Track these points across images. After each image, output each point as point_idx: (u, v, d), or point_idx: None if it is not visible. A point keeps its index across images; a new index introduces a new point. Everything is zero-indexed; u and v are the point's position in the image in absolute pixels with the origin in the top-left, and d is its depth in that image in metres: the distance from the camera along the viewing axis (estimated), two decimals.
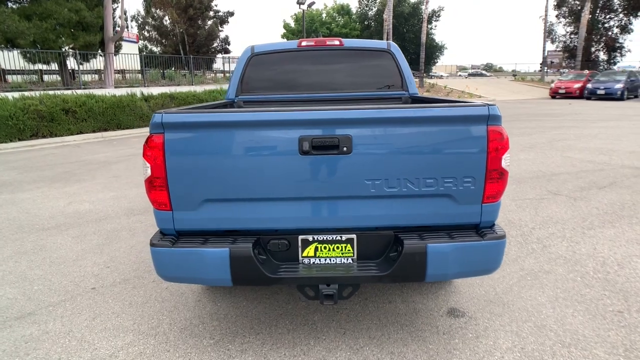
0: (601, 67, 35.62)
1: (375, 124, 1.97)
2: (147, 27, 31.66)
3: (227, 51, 35.28)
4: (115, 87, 14.70)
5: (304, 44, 3.61)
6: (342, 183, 2.01)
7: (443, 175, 2.01)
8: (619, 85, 20.21)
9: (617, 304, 2.74)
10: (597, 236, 3.85)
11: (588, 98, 21.24)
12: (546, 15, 35.52)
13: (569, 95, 22.42)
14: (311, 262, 2.13)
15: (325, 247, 2.12)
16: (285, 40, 46.91)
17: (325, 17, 45.97)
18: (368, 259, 2.14)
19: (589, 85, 21.48)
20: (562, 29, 37.94)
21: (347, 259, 2.13)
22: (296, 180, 2.02)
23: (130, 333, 2.50)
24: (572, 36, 40.20)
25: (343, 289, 2.10)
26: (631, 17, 37.59)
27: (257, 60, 3.59)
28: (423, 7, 49.73)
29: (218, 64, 26.34)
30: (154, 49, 31.74)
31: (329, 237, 2.11)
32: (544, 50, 35.74)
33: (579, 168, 6.53)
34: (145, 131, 12.11)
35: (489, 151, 1.99)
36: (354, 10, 48.58)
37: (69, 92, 12.12)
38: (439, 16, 49.22)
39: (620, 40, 37.93)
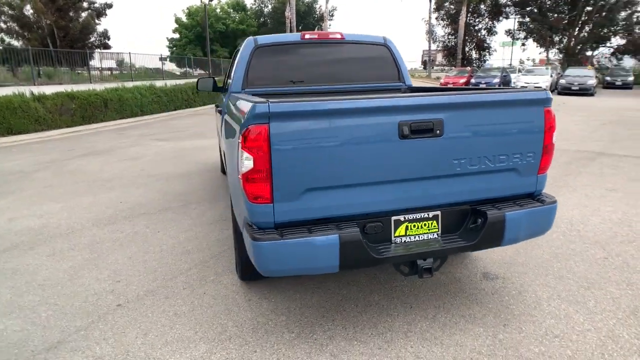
0: (474, 65, 40.47)
1: (462, 108, 2.17)
2: (2, 17, 27.46)
3: (107, 46, 32.31)
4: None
5: (307, 36, 3.64)
6: (434, 164, 2.17)
7: (513, 152, 2.29)
8: (497, 80, 23.35)
9: (600, 252, 3.35)
10: None
11: None
12: (430, 18, 39.21)
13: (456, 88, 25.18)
14: (403, 241, 2.25)
15: (414, 226, 2.26)
16: (177, 35, 44.55)
17: (220, 12, 44.70)
18: (449, 232, 2.33)
19: (473, 80, 24.42)
20: (441, 30, 42.30)
21: (434, 235, 2.29)
22: (395, 163, 2.12)
23: (201, 342, 2.34)
24: (449, 37, 44.99)
25: (434, 262, 2.26)
26: (495, 21, 43.39)
27: (261, 52, 3.53)
28: (317, 5, 51.36)
29: (107, 61, 23.86)
30: (14, 42, 27.66)
31: (417, 215, 2.25)
32: (429, 49, 39.40)
33: None
34: (46, 136, 10.67)
35: (545, 129, 2.33)
36: (249, 6, 47.99)
37: None
38: (332, 15, 51.07)
39: (488, 41, 43.62)
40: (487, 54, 44.33)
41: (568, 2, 37.62)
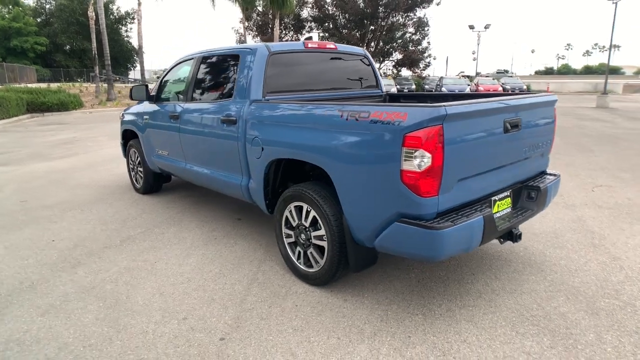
0: None
1: (528, 108, 2.82)
2: None
3: None
4: None
5: (310, 45, 3.75)
6: (515, 152, 2.77)
7: (544, 139, 3.09)
8: (413, 86, 26.96)
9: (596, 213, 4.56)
10: None
11: None
12: (245, 28, 40.26)
13: None
14: (499, 216, 2.76)
15: (502, 203, 2.80)
16: None
17: None
18: (514, 206, 2.97)
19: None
20: (251, 41, 43.80)
21: (509, 209, 2.89)
22: (499, 153, 2.63)
23: (358, 344, 2.36)
24: None
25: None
26: (299, 35, 47.49)
27: (275, 59, 3.49)
28: (114, 7, 46.43)
29: None
30: None
31: (502, 195, 2.81)
32: None
33: None
34: None
35: (554, 121, 3.20)
36: (26, 2, 40.03)
37: None
38: (133, 18, 47.08)
39: None
40: None
41: (357, 21, 44.38)
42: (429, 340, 2.38)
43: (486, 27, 33.62)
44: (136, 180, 5.62)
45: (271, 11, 43.06)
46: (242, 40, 47.30)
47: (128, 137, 5.70)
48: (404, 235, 2.32)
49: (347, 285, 3.02)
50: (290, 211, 3.07)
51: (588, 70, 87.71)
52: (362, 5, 42.28)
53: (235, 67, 3.65)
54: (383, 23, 43.72)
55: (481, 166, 2.52)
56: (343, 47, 4.08)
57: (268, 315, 2.67)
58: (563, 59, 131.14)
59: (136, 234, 4.12)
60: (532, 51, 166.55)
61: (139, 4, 25.20)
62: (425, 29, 43.03)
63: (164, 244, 3.86)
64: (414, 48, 43.13)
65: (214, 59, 4.03)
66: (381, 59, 45.13)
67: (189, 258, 3.54)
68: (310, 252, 2.97)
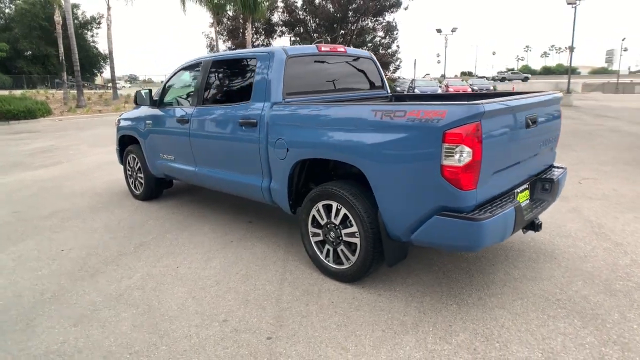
0: None
1: (542, 105, 2.99)
2: None
3: None
4: None
5: (322, 49, 3.83)
6: (532, 146, 2.94)
7: (555, 135, 3.28)
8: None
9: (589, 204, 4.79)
10: None
11: None
12: (216, 34, 39.91)
13: None
14: (522, 207, 2.92)
15: (522, 195, 2.96)
16: None
17: None
18: (531, 198, 3.13)
19: None
20: (222, 45, 43.38)
21: (527, 201, 3.05)
22: (521, 147, 2.78)
23: (404, 335, 2.44)
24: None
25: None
26: (270, 39, 47.50)
27: (292, 62, 3.54)
28: (79, 11, 44.96)
29: None
30: None
31: (521, 187, 2.96)
32: None
33: None
34: None
35: (560, 117, 3.41)
36: None
37: None
38: (99, 23, 45.81)
39: None
40: None
41: (327, 25, 44.76)
42: (470, 328, 2.49)
43: (453, 30, 34.67)
44: (135, 187, 5.52)
45: (242, 15, 42.97)
46: (212, 45, 46.82)
47: (125, 143, 5.59)
48: (444, 227, 2.42)
49: (376, 281, 3.10)
50: (318, 210, 3.12)
51: (546, 71, 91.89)
52: (332, 10, 42.71)
53: (250, 70, 3.68)
54: (353, 27, 44.31)
55: (509, 160, 2.67)
56: (351, 50, 4.18)
57: (307, 312, 2.72)
58: (523, 60, 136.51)
59: (148, 240, 4.05)
60: (494, 53, 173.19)
61: (109, 8, 24.52)
62: (394, 32, 43.93)
63: (181, 249, 3.82)
64: (384, 51, 43.91)
65: (225, 63, 4.04)
66: None
67: (211, 262, 3.53)
68: (341, 250, 3.03)
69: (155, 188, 5.32)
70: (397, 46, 44.14)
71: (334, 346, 2.37)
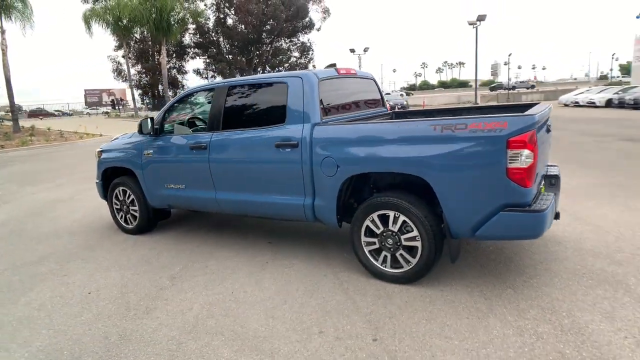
0: None
1: (546, 117, 3.61)
2: None
3: None
4: None
5: (341, 71, 4.13)
6: (547, 148, 3.53)
7: (550, 139, 3.94)
8: None
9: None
10: None
11: None
12: (127, 58, 37.86)
13: None
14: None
15: (542, 190, 3.52)
16: None
17: None
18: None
19: None
20: (132, 69, 41.18)
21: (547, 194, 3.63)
22: (545, 148, 3.35)
23: (490, 315, 2.78)
24: (141, 75, 44.72)
25: None
26: (182, 61, 46.33)
27: (322, 85, 3.78)
28: None
29: None
30: None
31: (542, 184, 3.53)
32: (131, 91, 37.90)
33: None
34: None
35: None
36: None
37: None
38: None
39: (180, 80, 46.08)
40: (181, 91, 46.86)
41: (241, 47, 44.95)
42: (534, 305, 2.93)
43: (365, 50, 37.03)
44: (126, 221, 5.22)
45: (151, 38, 41.33)
46: (119, 69, 44.27)
47: (109, 176, 5.29)
48: (511, 221, 2.85)
49: (429, 279, 3.41)
50: (372, 220, 3.37)
51: (443, 85, 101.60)
52: (246, 31, 43.07)
53: (279, 94, 3.82)
54: (268, 48, 45.07)
55: (544, 160, 3.20)
56: (360, 72, 4.54)
57: (391, 314, 2.95)
58: (420, 76, 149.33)
59: (178, 272, 3.93)
60: (394, 70, 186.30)
61: (3, 32, 22.04)
62: (310, 53, 45.61)
63: (219, 275, 3.79)
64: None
65: (246, 88, 4.14)
66: None
67: (261, 283, 3.57)
68: (400, 254, 3.31)
69: (151, 220, 5.11)
70: (314, 66, 45.69)
71: (437, 337, 2.64)
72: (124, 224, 5.26)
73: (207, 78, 46.51)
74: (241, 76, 44.13)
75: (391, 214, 3.27)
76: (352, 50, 36.90)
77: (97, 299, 3.47)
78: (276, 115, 3.82)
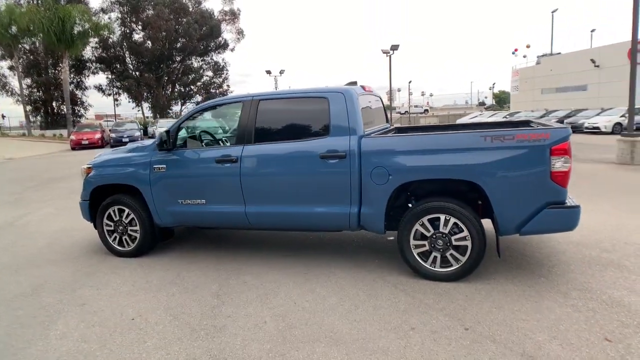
0: (75, 120, 37.88)
1: None
2: None
3: None
4: None
5: (366, 89, 4.42)
6: None
7: None
8: (138, 133, 24.03)
9: None
10: None
11: (114, 146, 23.55)
12: (18, 70, 33.61)
13: (92, 144, 23.52)
14: None
15: None
16: None
17: None
18: None
19: (113, 135, 23.79)
20: (20, 83, 36.15)
21: None
22: None
23: (547, 300, 3.20)
24: (32, 90, 39.97)
25: None
26: (82, 77, 42.42)
27: (360, 100, 4.04)
28: None
29: None
30: None
31: None
32: (24, 107, 33.57)
33: None
34: None
35: None
36: None
37: None
38: None
39: (80, 96, 41.99)
40: (82, 108, 42.75)
41: (149, 64, 42.76)
42: (571, 287, 3.45)
43: (281, 72, 37.80)
44: (122, 243, 4.78)
45: (44, 50, 37.25)
46: (4, 82, 38.93)
47: (97, 195, 4.83)
48: (553, 217, 3.36)
49: (471, 276, 3.78)
50: (422, 224, 3.66)
51: None
52: (156, 47, 41.14)
53: (319, 108, 3.97)
54: (178, 66, 43.49)
55: None
56: (373, 90, 4.87)
57: (462, 307, 3.23)
58: None
59: (217, 290, 3.77)
60: None
61: None
62: (224, 72, 45.02)
63: (265, 290, 3.73)
64: (214, 91, 44.37)
65: (281, 102, 4.19)
66: (183, 101, 44.55)
67: (317, 292, 3.62)
68: (450, 254, 3.64)
69: (155, 241, 4.77)
70: (228, 86, 45.19)
71: (515, 320, 2.98)
72: (117, 247, 4.81)
73: (110, 95, 43.08)
74: (149, 94, 41.57)
75: (442, 217, 3.60)
76: (269, 72, 37.40)
77: (149, 324, 3.20)
78: (317, 128, 3.96)
